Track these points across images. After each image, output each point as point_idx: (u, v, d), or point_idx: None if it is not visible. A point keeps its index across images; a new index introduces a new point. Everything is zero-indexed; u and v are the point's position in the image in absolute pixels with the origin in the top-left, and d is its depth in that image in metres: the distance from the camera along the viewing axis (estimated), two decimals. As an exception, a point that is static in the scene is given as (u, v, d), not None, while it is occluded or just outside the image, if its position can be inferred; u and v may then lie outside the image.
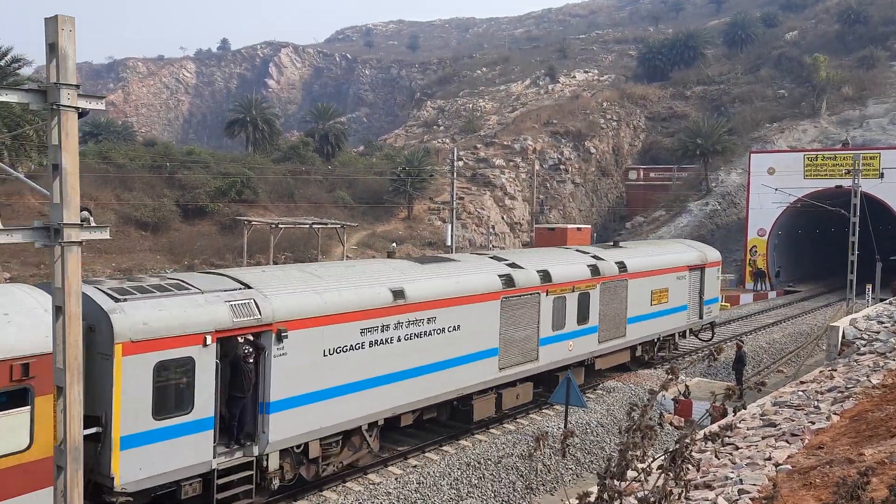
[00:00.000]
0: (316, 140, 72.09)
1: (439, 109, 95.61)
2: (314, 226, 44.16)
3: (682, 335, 28.53)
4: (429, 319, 16.80)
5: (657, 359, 27.07)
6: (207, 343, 12.71)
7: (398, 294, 16.11)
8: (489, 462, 17.43)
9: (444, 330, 17.22)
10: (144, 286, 12.92)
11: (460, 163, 61.73)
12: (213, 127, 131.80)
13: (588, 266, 22.36)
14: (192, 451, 12.65)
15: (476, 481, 16.58)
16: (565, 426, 18.68)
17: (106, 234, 9.02)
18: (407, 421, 17.08)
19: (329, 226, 45.45)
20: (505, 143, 75.94)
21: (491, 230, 63.61)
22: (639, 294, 24.54)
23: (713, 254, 30.22)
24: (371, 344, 15.45)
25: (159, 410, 12.31)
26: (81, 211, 8.62)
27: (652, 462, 4.68)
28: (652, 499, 4.58)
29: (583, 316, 21.92)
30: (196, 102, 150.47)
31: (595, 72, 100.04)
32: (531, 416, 21.21)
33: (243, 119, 71.31)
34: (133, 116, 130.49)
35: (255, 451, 13.68)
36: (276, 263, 42.42)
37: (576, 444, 18.86)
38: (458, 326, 17.63)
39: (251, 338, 13.52)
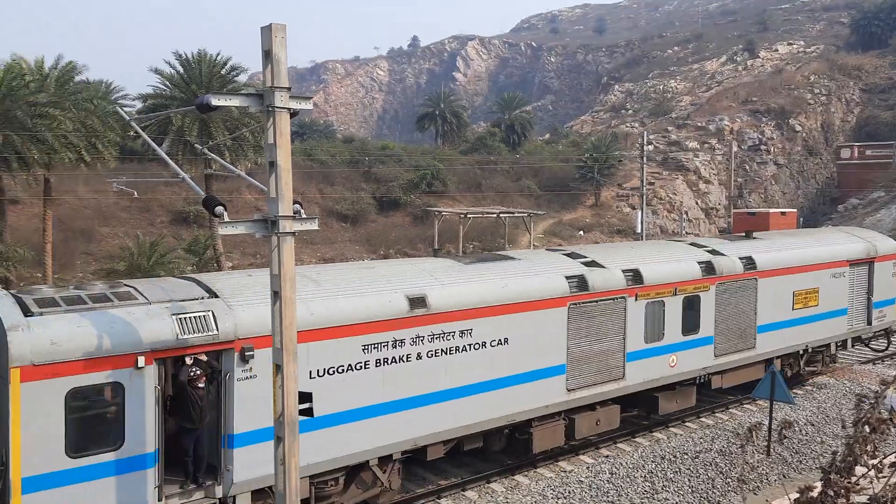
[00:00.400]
0: (502, 130, 72.77)
1: (627, 93, 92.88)
2: (501, 215, 44.67)
3: (842, 345, 23.19)
4: (462, 332, 13.98)
5: (805, 374, 22.17)
6: (140, 365, 10.66)
7: (417, 302, 13.41)
8: (686, 456, 16.76)
9: (484, 345, 14.29)
10: (81, 295, 11.17)
11: (650, 147, 59.57)
12: (405, 122, 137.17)
13: (699, 263, 18.38)
14: (125, 494, 10.66)
15: (672, 475, 16.01)
16: (770, 423, 17.48)
17: (315, 226, 9.71)
18: (436, 453, 14.26)
19: (516, 215, 45.77)
20: (699, 124, 72.29)
21: (684, 216, 60.87)
22: (774, 296, 20.01)
23: (887, 244, 24.20)
24: (379, 363, 12.94)
25: (76, 446, 10.34)
26: (294, 204, 9.33)
27: (884, 459, 4.26)
28: (884, 498, 4.17)
29: (690, 324, 18.02)
30: (389, 99, 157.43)
31: (800, 43, 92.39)
32: (731, 410, 20.12)
33: (432, 113, 73.55)
34: (333, 115, 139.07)
35: (219, 492, 11.52)
36: (465, 252, 43.44)
37: (782, 442, 17.63)
38: (505, 340, 14.62)
39: (203, 358, 11.45)
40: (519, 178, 62.63)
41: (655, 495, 15.19)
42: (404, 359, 13.27)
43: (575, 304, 15.72)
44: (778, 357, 20.67)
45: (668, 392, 18.08)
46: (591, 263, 16.63)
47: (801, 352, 21.54)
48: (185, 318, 11.21)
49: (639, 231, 44.36)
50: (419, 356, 13.44)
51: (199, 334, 11.22)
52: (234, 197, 45.37)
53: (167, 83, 37.22)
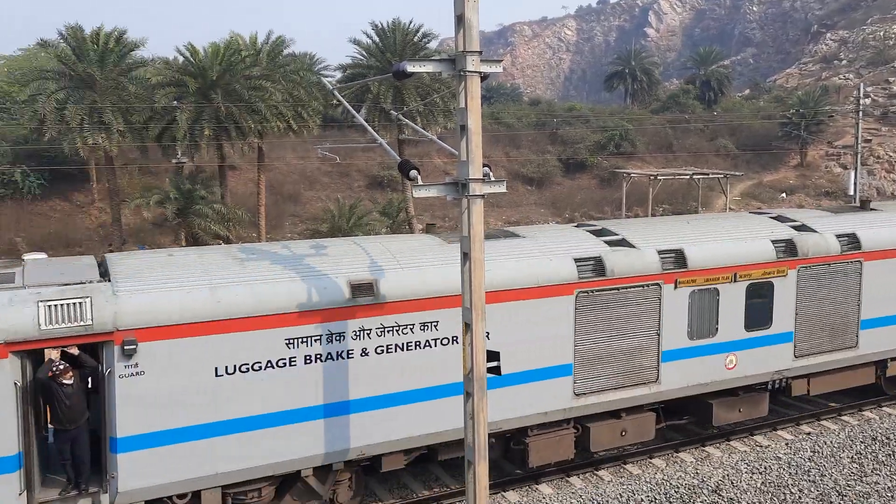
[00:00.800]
0: (697, 87, 69.03)
1: (841, 41, 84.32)
2: (695, 176, 42.59)
3: None
4: (424, 325, 11.91)
5: None
6: None
7: (362, 289, 11.50)
8: (901, 439, 15.34)
9: (454, 340, 12.09)
10: None
11: (867, 100, 53.87)
12: (593, 82, 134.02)
13: (775, 242, 15.11)
14: None
15: (884, 458, 14.74)
16: None
17: (503, 188, 9.85)
18: (394, 464, 12.34)
19: (710, 176, 43.43)
20: (928, 72, 64.21)
21: (906, 177, 54.69)
22: (890, 283, 16.37)
23: None
24: (309, 360, 11.21)
25: None
26: (483, 167, 9.53)
27: None
28: None
29: (758, 317, 14.91)
30: (576, 59, 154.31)
31: None
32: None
33: (622, 71, 71.24)
34: (519, 78, 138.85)
35: (105, 500, 10.49)
36: (655, 216, 42.03)
37: None
38: (487, 335, 11.32)
39: (75, 351, 10.42)
40: (714, 138, 59.26)
41: (864, 478, 14.10)
42: (344, 356, 11.43)
43: (585, 292, 13.16)
44: (893, 359, 16.91)
45: (726, 399, 15.10)
46: (619, 242, 14.02)
47: None
48: (52, 306, 9.98)
49: (851, 193, 40.50)
50: (365, 353, 11.57)
51: (67, 324, 9.98)
52: (425, 161, 46.88)
53: (364, 53, 38.99)
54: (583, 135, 56.24)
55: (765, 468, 14.20)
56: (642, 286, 13.69)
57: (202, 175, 35.21)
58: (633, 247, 13.88)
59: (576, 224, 15.60)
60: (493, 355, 10.08)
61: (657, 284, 13.80)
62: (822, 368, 15.90)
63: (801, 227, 15.81)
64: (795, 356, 15.47)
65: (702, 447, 15.35)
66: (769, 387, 15.54)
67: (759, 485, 13.68)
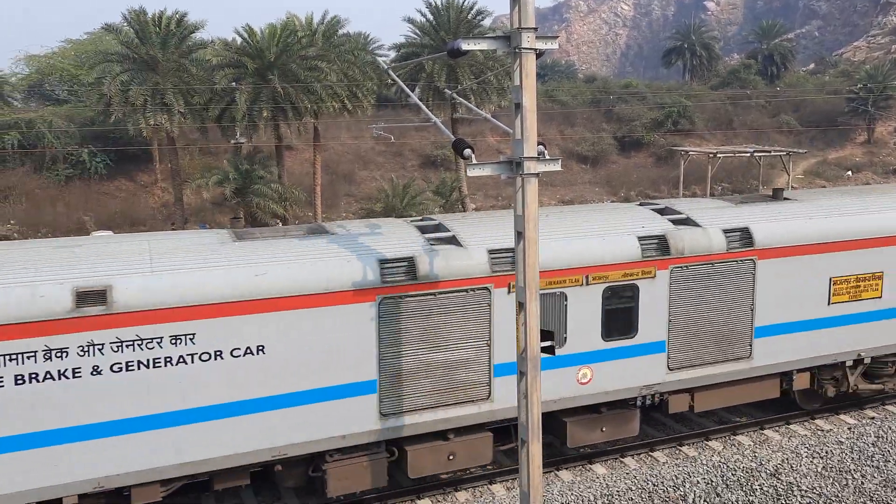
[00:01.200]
0: (758, 62, 66.99)
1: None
2: (755, 154, 41.44)
3: None
4: (175, 339, 10.50)
5: (865, 391, 15.85)
6: None
7: (91, 297, 10.14)
8: (971, 426, 14.82)
9: (218, 355, 10.72)
10: None
11: (942, 73, 51.45)
12: (650, 58, 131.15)
13: (641, 238, 13.04)
14: None
15: (952, 446, 14.29)
16: None
17: (558, 167, 9.78)
18: (147, 496, 10.92)
19: (772, 154, 42.20)
20: None
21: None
22: (791, 285, 14.07)
23: None
24: (21, 380, 9.87)
25: None
26: (538, 146, 9.47)
27: None
28: None
29: (620, 325, 12.98)
30: (633, 35, 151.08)
31: None
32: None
33: (680, 46, 69.56)
34: (574, 55, 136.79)
35: None
36: (713, 195, 41.14)
37: None
38: (259, 349, 10.94)
39: None
40: (777, 114, 57.50)
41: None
42: (67, 375, 10.06)
43: (391, 298, 11.47)
44: (800, 370, 14.70)
45: (584, 417, 13.17)
46: (445, 240, 12.26)
47: (852, 362, 15.13)
48: None
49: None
50: (97, 371, 10.22)
51: None
52: (478, 140, 46.74)
53: (418, 32, 38.93)
54: (639, 112, 55.21)
55: (826, 452, 13.90)
56: (466, 290, 11.91)
57: (260, 155, 35.84)
58: (460, 245, 12.14)
59: (411, 219, 13.87)
60: (547, 335, 10.08)
61: (485, 288, 12.00)
62: (706, 382, 13.80)
63: (683, 221, 13.76)
64: (670, 369, 13.36)
65: (760, 430, 15.10)
66: (640, 403, 13.54)
67: (819, 469, 13.42)
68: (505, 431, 12.85)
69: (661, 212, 14.20)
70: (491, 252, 12.07)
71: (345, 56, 34.98)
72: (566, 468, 13.61)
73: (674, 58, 70.74)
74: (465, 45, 9.37)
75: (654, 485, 12.83)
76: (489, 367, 12.22)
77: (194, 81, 32.98)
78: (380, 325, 11.50)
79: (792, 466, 13.44)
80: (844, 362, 14.99)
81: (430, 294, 11.69)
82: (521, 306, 9.63)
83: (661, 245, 13.12)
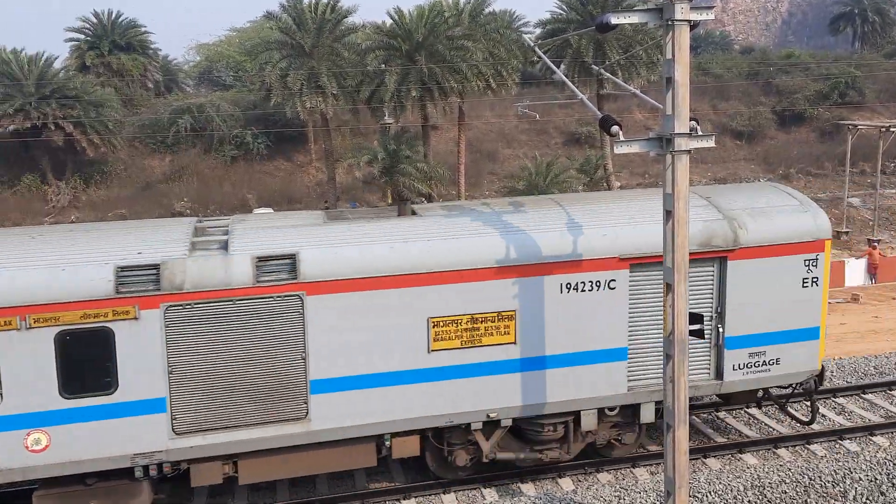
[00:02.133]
0: (943, 25, 60.67)
1: None
2: (937, 128, 37.62)
3: (631, 415, 12.38)
4: None
5: (508, 460, 12.28)
6: None
7: None
8: None
9: None
10: None
11: None
12: (815, 26, 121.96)
13: (119, 268, 10.36)
14: None
15: None
16: None
17: (711, 143, 9.42)
18: None
19: (958, 127, 38.12)
20: None
21: None
22: (368, 328, 10.99)
23: (777, 223, 12.28)
24: None
25: None
26: (690, 121, 9.15)
27: None
28: None
29: (91, 378, 10.35)
30: (796, 2, 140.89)
31: None
32: None
33: (849, 13, 64.36)
34: (730, 25, 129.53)
35: None
36: (884, 173, 37.87)
37: None
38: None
39: None
40: (964, 83, 51.95)
41: None
42: None
43: (177, 307, 10.28)
44: (399, 434, 11.52)
45: (56, 491, 10.71)
46: (214, 244, 10.89)
47: (481, 424, 11.71)
48: None
49: None
50: None
51: None
52: (625, 116, 45.49)
53: (564, 7, 38.31)
54: (801, 84, 51.60)
55: None
56: (265, 299, 10.55)
57: (407, 135, 36.74)
58: (226, 251, 10.70)
59: (199, 219, 12.30)
60: (695, 318, 9.78)
61: (297, 296, 10.63)
62: (244, 448, 10.90)
63: (206, 245, 10.94)
64: (176, 433, 10.59)
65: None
66: (145, 473, 10.71)
67: None
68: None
69: (199, 232, 11.51)
70: (259, 259, 10.60)
71: (490, 35, 35.04)
72: (714, 456, 13.19)
73: (842, 25, 65.60)
74: (615, 19, 9.20)
75: (811, 479, 12.16)
76: (305, 384, 10.86)
77: (346, 64, 34.32)
78: (167, 337, 10.35)
79: (971, 469, 12.32)
80: (469, 424, 11.63)
81: (228, 301, 10.44)
82: (668, 287, 9.41)
83: (150, 277, 10.35)
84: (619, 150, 9.62)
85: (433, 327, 11.16)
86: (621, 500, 11.63)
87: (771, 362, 12.39)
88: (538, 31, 40.69)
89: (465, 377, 11.35)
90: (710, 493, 11.80)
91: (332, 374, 10.94)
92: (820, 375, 12.94)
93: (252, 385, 10.67)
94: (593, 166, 36.87)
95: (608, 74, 13.46)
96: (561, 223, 11.71)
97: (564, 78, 13.25)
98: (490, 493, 12.19)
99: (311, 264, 10.72)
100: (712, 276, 12.06)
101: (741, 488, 11.90)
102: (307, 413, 10.92)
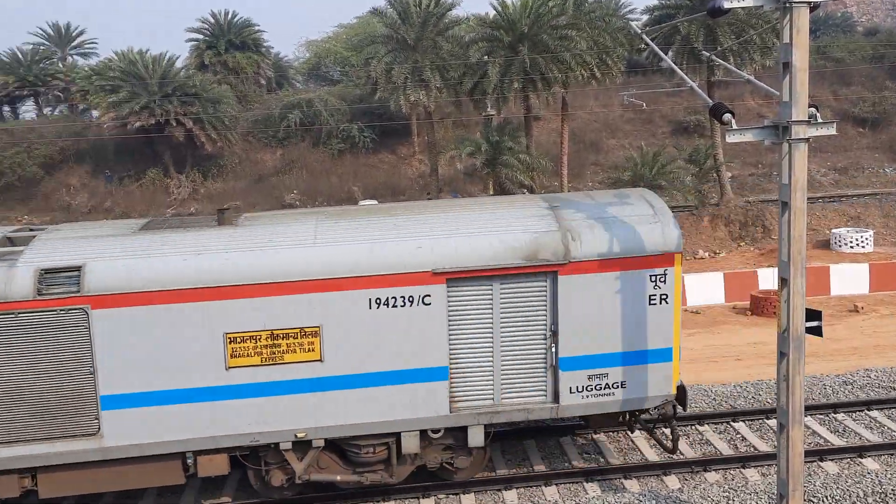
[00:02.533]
0: None
1: None
2: None
3: (463, 439, 11.56)
4: None
5: (324, 480, 11.71)
6: None
7: None
8: None
9: None
10: None
11: None
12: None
13: None
14: None
15: None
16: None
17: (832, 130, 8.98)
18: None
19: None
20: None
21: None
22: (161, 343, 10.73)
23: (614, 235, 11.31)
24: None
25: None
26: (809, 108, 8.73)
27: None
28: None
29: None
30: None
31: None
32: None
33: None
34: (853, 6, 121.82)
35: None
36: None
37: None
38: None
39: None
40: None
41: None
42: None
43: None
44: (205, 452, 11.14)
45: None
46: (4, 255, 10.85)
47: (291, 444, 11.25)
48: None
49: None
50: None
51: None
52: (736, 104, 43.64)
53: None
54: (935, 66, 48.07)
55: None
56: (48, 312, 10.51)
57: (509, 126, 36.65)
58: (14, 263, 10.67)
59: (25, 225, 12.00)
60: (813, 314, 9.33)
61: (82, 310, 10.55)
62: (43, 462, 10.79)
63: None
64: None
65: None
66: None
67: None
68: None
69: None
70: (44, 272, 10.52)
71: (595, 23, 34.41)
72: (831, 459, 12.57)
73: (983, 0, 60.33)
74: (728, 3, 8.88)
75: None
76: (96, 399, 10.68)
77: (449, 57, 34.55)
78: None
79: None
80: (278, 444, 11.20)
81: (9, 314, 10.36)
82: (783, 282, 9.04)
83: None
84: (731, 138, 9.30)
85: (230, 343, 10.80)
86: (730, 502, 11.29)
87: (615, 385, 11.48)
88: (645, 17, 39.61)
89: (267, 395, 10.97)
90: (826, 497, 11.29)
91: (124, 389, 10.72)
92: (680, 399, 11.83)
93: (41, 399, 10.61)
94: (702, 156, 35.66)
95: (720, 60, 12.96)
96: (375, 235, 11.17)
97: (673, 65, 12.92)
98: (512, 494, 12.02)
99: (97, 277, 10.55)
100: (545, 291, 11.25)
101: (861, 494, 11.31)
102: (99, 429, 10.75)
